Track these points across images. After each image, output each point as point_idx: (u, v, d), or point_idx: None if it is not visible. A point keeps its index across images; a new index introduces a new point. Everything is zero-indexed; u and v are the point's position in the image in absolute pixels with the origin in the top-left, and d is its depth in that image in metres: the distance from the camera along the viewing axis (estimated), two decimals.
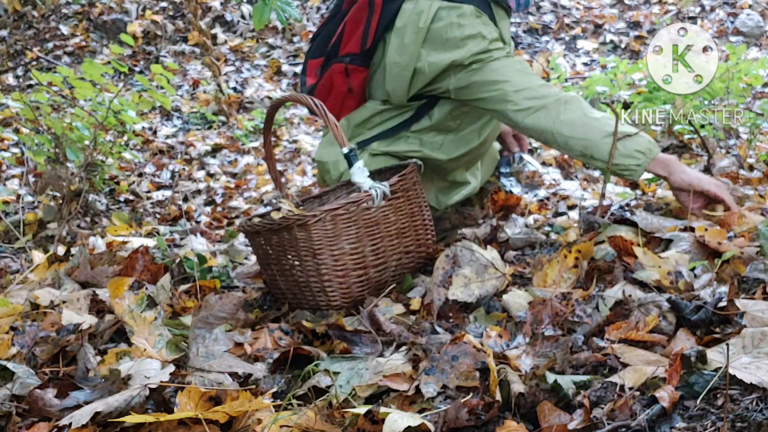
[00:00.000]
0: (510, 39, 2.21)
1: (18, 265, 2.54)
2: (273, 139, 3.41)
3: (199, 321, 1.54)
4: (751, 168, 2.62)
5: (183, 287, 1.98)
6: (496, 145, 2.59)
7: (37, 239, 2.92)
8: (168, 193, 3.79)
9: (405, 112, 2.18)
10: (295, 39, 6.36)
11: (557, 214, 2.41)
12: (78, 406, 1.25)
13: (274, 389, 1.36)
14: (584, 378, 1.22)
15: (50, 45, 6.34)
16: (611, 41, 5.85)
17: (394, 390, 1.27)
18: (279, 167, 3.93)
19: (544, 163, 3.03)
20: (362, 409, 1.15)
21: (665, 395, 1.09)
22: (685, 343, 1.30)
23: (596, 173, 2.91)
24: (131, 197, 3.70)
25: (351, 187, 2.07)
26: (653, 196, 2.40)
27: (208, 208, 3.57)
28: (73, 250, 2.49)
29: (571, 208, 2.47)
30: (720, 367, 1.13)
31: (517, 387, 1.20)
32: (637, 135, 1.95)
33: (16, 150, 4.24)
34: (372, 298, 1.77)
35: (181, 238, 2.95)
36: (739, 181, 2.22)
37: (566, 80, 5.05)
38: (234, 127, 4.98)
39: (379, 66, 2.15)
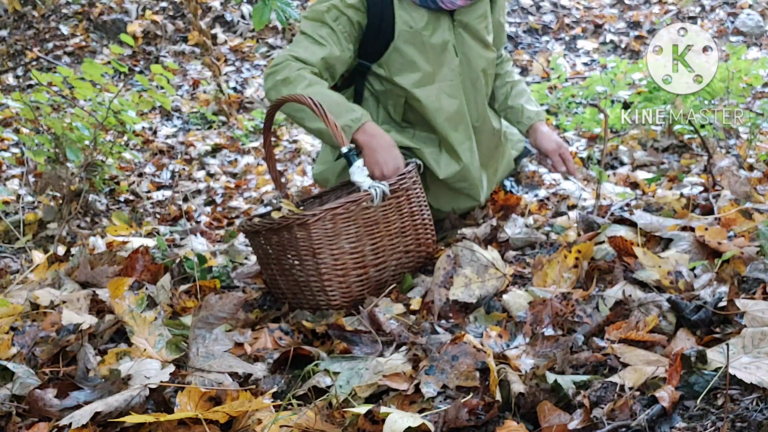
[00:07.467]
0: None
1: (18, 265, 2.53)
2: (273, 139, 3.41)
3: (199, 321, 1.54)
4: (751, 168, 2.62)
5: (183, 287, 1.98)
6: (513, 153, 2.52)
7: (37, 239, 2.92)
8: (168, 193, 3.78)
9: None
10: None
11: (557, 214, 2.41)
12: (78, 406, 1.25)
13: (274, 389, 1.36)
14: (584, 378, 1.22)
15: (50, 45, 6.34)
16: (611, 41, 5.85)
17: (394, 390, 1.27)
18: (279, 167, 3.93)
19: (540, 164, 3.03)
20: (362, 409, 1.15)
21: (665, 395, 1.09)
22: (685, 343, 1.30)
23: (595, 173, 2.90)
24: (131, 197, 3.70)
25: (351, 186, 2.07)
26: (653, 196, 2.39)
27: (208, 208, 3.57)
28: (73, 250, 2.49)
29: (571, 208, 2.47)
30: (720, 367, 1.13)
31: (517, 387, 1.20)
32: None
33: (16, 150, 4.24)
34: (372, 297, 1.76)
35: (181, 238, 2.94)
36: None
37: (566, 80, 5.05)
38: (234, 127, 4.98)
39: None
